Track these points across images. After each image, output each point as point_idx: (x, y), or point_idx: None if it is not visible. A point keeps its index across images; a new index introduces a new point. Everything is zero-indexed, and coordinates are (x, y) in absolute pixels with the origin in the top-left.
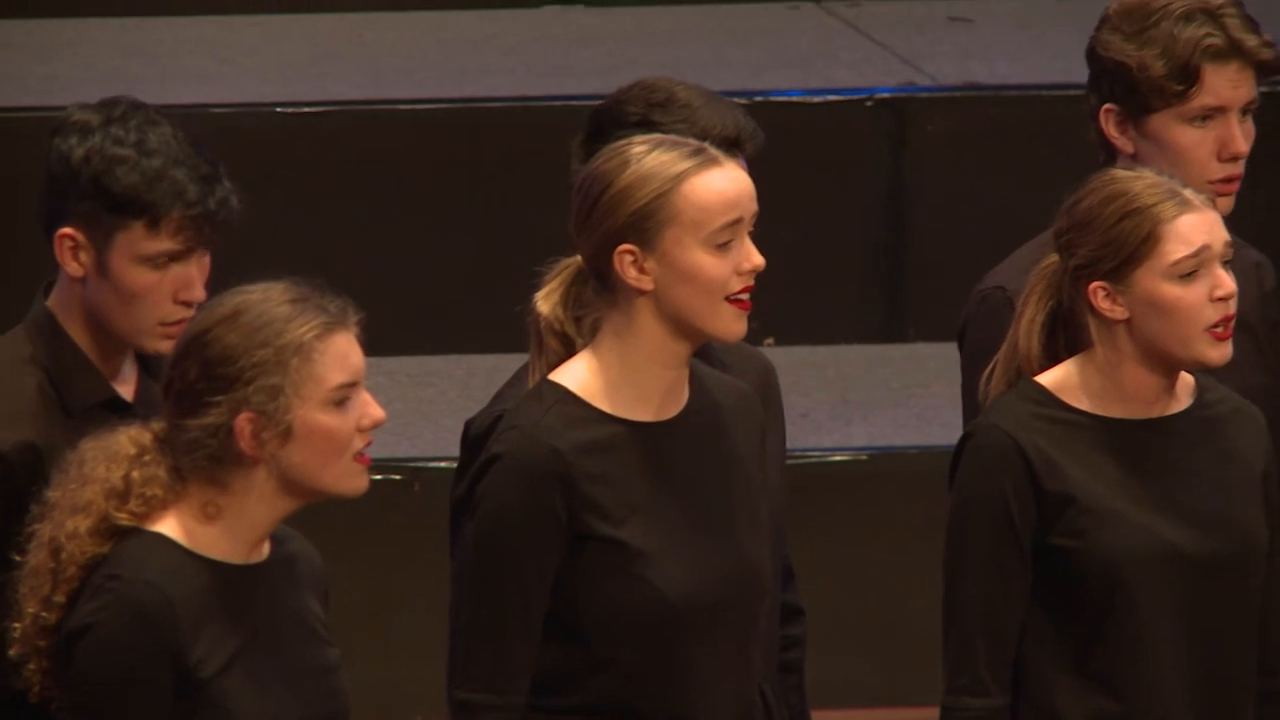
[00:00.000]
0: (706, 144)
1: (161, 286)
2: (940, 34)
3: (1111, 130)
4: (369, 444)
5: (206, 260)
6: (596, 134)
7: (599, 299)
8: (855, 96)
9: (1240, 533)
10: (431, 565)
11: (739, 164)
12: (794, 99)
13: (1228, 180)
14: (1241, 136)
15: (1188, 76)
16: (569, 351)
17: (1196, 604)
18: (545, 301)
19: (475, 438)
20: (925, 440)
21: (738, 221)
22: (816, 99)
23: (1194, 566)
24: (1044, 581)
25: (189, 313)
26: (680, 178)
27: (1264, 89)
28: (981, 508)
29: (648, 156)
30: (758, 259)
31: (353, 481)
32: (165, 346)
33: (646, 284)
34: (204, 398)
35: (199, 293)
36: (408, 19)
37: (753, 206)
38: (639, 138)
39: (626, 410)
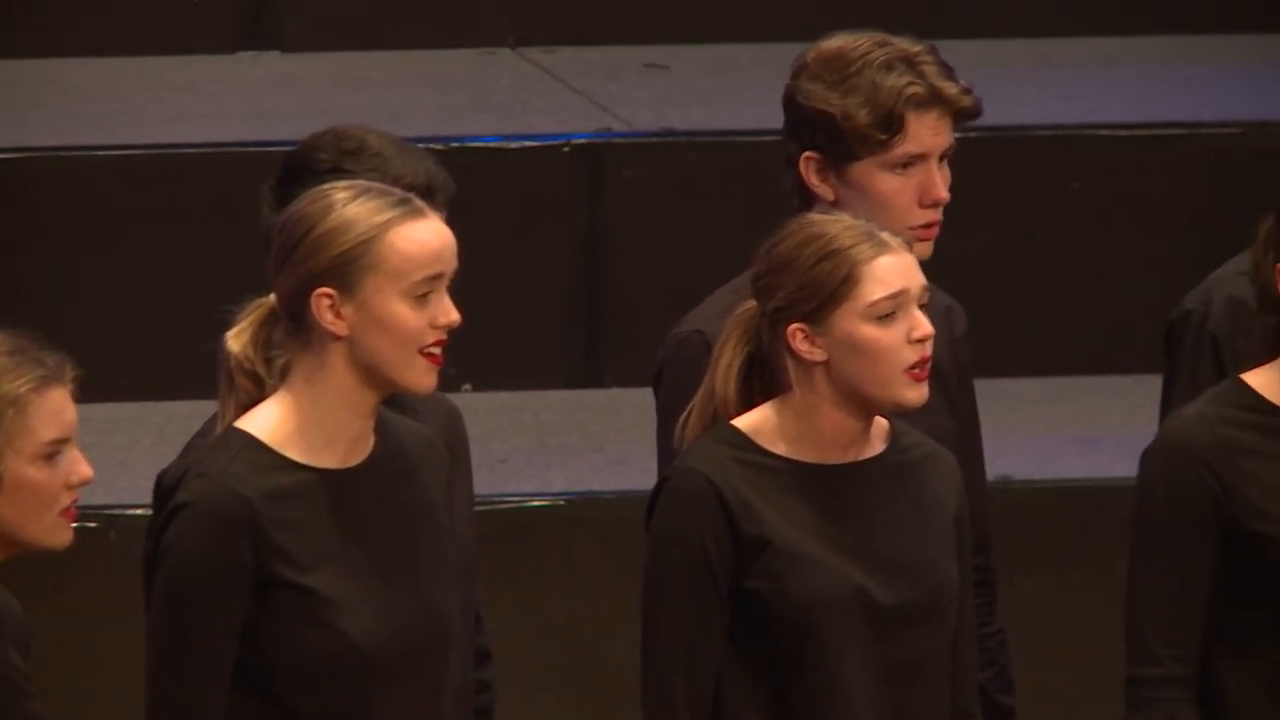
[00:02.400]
0: (412, 195)
1: None
2: (636, 80)
3: (812, 178)
4: (76, 500)
5: None
6: (288, 181)
7: (291, 341)
8: (552, 143)
9: (933, 578)
10: (128, 615)
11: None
12: (490, 145)
13: (928, 226)
14: (941, 182)
15: (892, 125)
16: (260, 390)
17: (889, 649)
18: (236, 340)
19: (168, 489)
20: (623, 485)
21: (439, 275)
22: (513, 145)
23: (886, 611)
24: (740, 625)
25: None
26: (386, 226)
27: (957, 135)
28: (678, 551)
29: (353, 202)
30: (454, 315)
31: (57, 536)
32: None
33: (341, 329)
34: None
35: None
36: (103, 65)
37: (454, 262)
38: (344, 183)
39: (313, 457)
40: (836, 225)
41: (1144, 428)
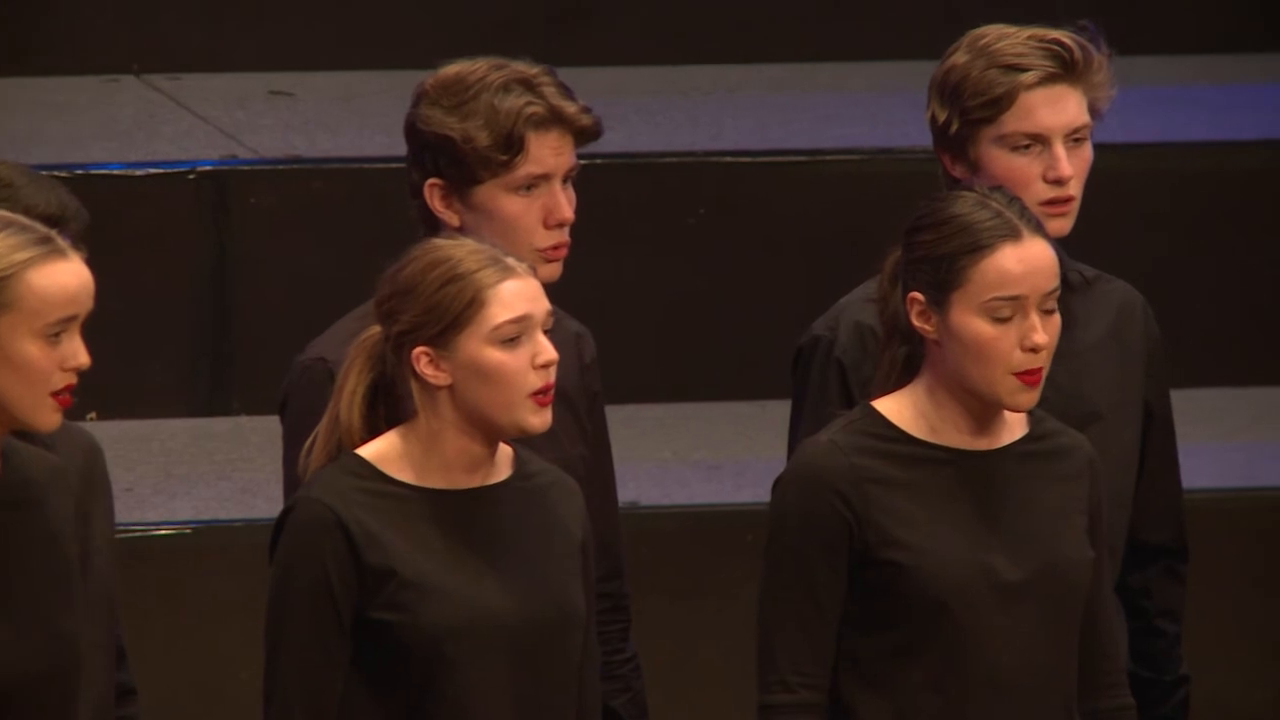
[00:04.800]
0: (55, 234)
1: None
2: (262, 107)
3: (437, 205)
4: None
5: None
6: None
7: None
8: (177, 170)
9: (561, 601)
10: None
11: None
12: (115, 172)
13: (556, 247)
14: (566, 203)
15: (512, 146)
16: None
17: (520, 673)
18: None
19: None
20: (250, 513)
21: (74, 317)
22: (138, 172)
23: (516, 637)
24: (366, 654)
25: None
26: (25, 264)
27: (583, 162)
28: (301, 581)
29: None
30: (84, 358)
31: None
32: None
33: None
34: None
35: None
36: None
37: (90, 304)
38: None
39: None
40: (461, 249)
41: (767, 453)
